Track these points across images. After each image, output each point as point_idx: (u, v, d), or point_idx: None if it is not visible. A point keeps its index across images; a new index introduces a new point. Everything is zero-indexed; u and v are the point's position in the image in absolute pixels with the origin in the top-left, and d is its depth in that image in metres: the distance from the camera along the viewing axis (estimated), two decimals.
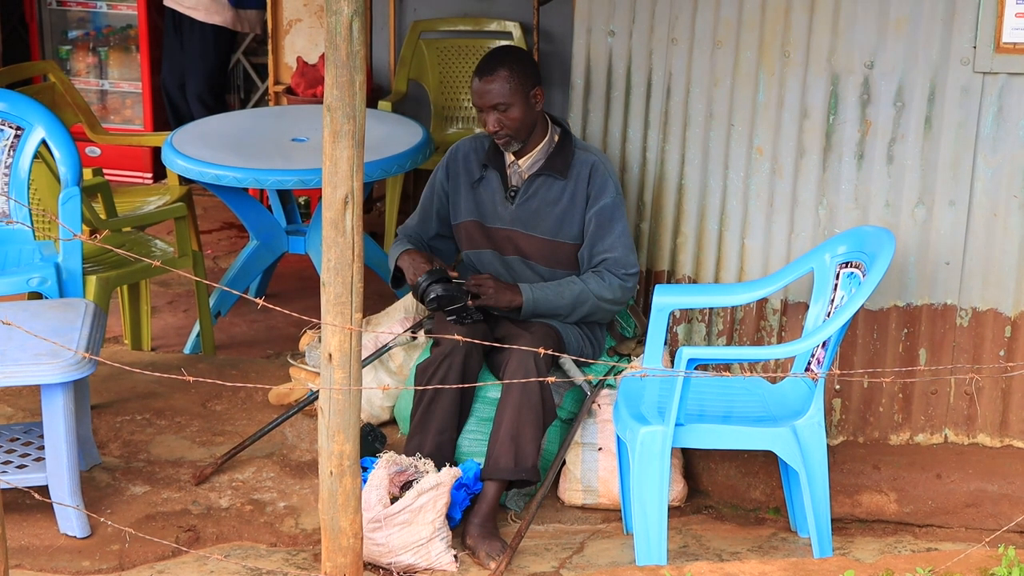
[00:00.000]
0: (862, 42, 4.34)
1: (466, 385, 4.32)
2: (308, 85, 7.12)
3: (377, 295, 5.87)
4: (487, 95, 4.39)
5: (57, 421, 4.11)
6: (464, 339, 4.16)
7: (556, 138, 4.52)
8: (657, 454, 3.94)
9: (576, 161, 4.48)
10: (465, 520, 4.23)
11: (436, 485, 4.03)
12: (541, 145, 4.50)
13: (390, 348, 4.82)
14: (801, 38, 4.40)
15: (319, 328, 4.83)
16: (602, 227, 4.44)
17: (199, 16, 7.56)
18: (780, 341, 4.60)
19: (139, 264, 5.20)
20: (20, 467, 4.28)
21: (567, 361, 4.46)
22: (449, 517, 4.17)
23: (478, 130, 4.81)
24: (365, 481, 4.04)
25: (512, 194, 4.52)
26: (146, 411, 5.00)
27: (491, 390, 4.43)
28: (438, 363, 4.35)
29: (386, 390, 4.75)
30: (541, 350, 3.43)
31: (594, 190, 4.45)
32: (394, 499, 4.07)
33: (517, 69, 4.40)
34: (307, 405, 4.78)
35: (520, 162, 4.51)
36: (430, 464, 4.17)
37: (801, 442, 4.00)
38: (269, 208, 6.07)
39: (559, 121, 4.57)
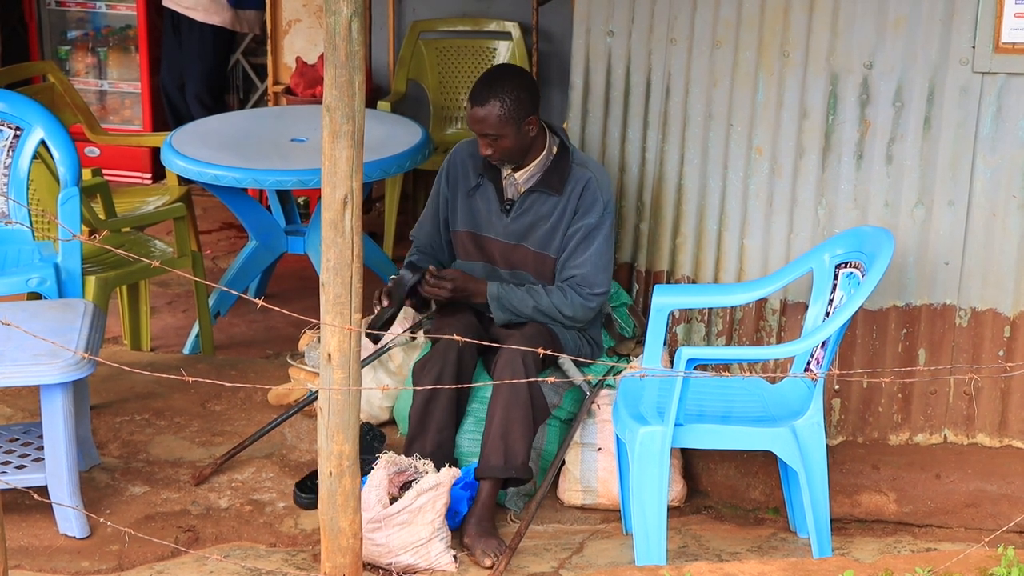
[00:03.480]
0: (861, 42, 4.34)
1: (464, 385, 4.32)
2: (307, 85, 7.12)
3: None
4: (478, 123, 4.35)
5: (56, 421, 4.11)
6: (463, 339, 4.17)
7: (555, 150, 4.47)
8: (656, 454, 3.94)
9: (572, 177, 4.43)
10: (464, 520, 4.23)
11: (435, 485, 4.03)
12: (538, 160, 4.45)
13: (389, 348, 4.82)
14: (800, 38, 4.40)
15: (318, 328, 4.83)
16: (580, 243, 4.41)
17: (198, 16, 7.56)
18: (779, 341, 4.60)
19: (138, 264, 5.20)
20: (19, 467, 4.28)
21: (566, 361, 4.46)
22: (455, 512, 4.18)
23: None
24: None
25: (507, 207, 4.50)
26: (145, 411, 5.00)
27: (488, 390, 4.44)
28: (433, 361, 4.36)
29: (385, 390, 4.74)
30: (540, 350, 3.43)
31: (582, 206, 4.41)
32: (393, 499, 4.07)
33: (510, 100, 4.32)
34: (306, 405, 4.78)
35: (517, 175, 4.48)
36: (429, 464, 4.17)
37: (800, 442, 4.00)
38: (268, 208, 6.08)
39: (558, 132, 4.51)
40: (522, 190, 4.48)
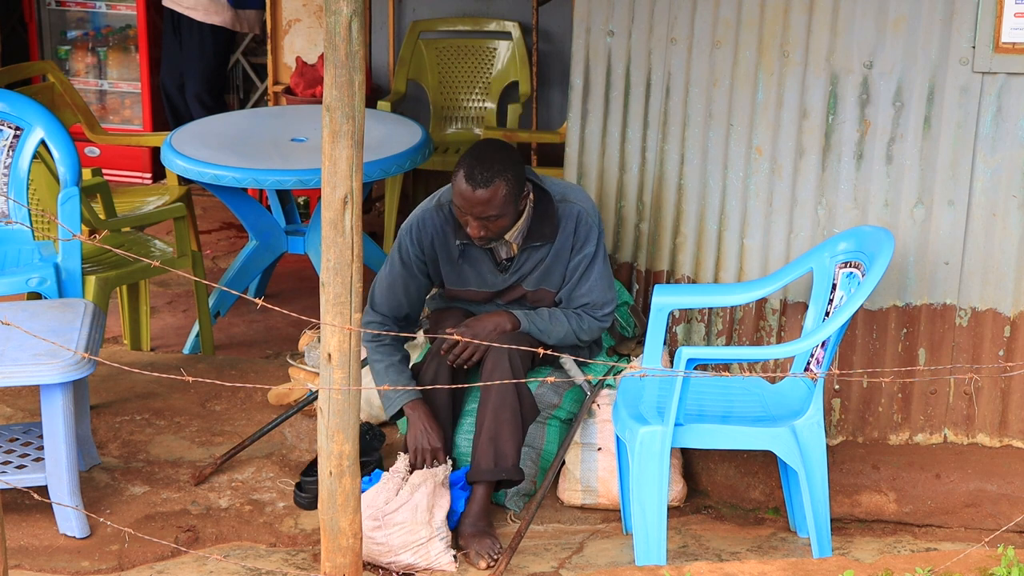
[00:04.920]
0: (861, 42, 4.34)
1: (463, 386, 4.32)
2: (307, 85, 7.13)
3: None
4: (479, 206, 4.12)
5: (56, 421, 4.11)
6: (463, 339, 4.16)
7: (532, 197, 4.34)
8: (656, 454, 3.94)
9: (561, 217, 4.34)
10: (459, 521, 4.24)
11: (425, 478, 4.05)
12: (523, 217, 4.33)
13: None
14: (800, 38, 4.40)
15: (318, 328, 4.83)
16: (584, 273, 4.38)
17: (198, 16, 7.56)
18: (779, 341, 4.60)
19: (138, 264, 5.21)
20: (19, 467, 4.29)
21: (567, 360, 4.46)
22: (452, 511, 4.18)
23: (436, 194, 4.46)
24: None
25: (504, 266, 4.41)
26: (145, 411, 5.00)
27: None
28: (429, 361, 4.36)
29: (386, 390, 4.74)
30: (540, 350, 3.43)
31: (579, 240, 4.36)
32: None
33: (512, 175, 4.14)
34: (306, 405, 4.78)
35: (506, 235, 4.33)
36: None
37: (800, 442, 4.00)
38: (268, 208, 6.08)
39: (530, 177, 4.34)
40: (515, 248, 4.37)
